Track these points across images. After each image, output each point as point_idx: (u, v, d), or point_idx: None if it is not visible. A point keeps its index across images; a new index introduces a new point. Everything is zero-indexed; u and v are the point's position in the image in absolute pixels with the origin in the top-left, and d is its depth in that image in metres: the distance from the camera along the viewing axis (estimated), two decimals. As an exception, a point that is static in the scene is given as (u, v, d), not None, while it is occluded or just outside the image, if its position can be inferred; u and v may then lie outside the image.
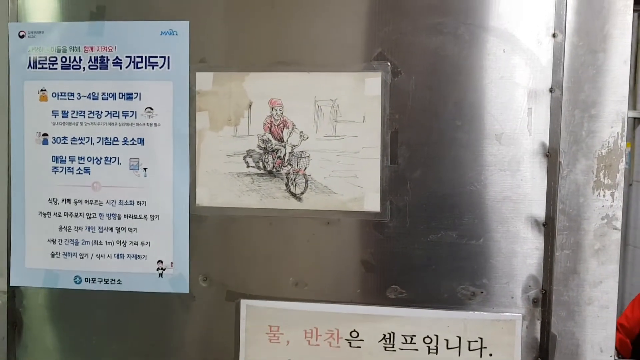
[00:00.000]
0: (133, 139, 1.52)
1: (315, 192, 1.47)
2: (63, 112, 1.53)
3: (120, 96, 1.51)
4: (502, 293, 1.44)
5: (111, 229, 1.54)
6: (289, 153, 1.47)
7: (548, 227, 1.41)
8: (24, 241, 1.57)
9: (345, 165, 1.45)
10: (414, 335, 1.46)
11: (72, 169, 1.54)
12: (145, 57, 1.50)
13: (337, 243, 1.48)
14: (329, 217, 1.47)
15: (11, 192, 1.56)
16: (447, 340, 1.45)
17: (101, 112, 1.52)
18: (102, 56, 1.51)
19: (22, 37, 1.54)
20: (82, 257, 1.55)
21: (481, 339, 1.44)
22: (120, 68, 1.51)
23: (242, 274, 1.51)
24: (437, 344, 1.45)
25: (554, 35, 1.38)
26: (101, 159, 1.53)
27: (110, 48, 1.51)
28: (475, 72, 1.41)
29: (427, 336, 1.46)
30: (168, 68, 1.50)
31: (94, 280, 1.55)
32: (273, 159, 1.48)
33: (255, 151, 1.48)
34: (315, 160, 1.46)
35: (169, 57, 1.49)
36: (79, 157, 1.54)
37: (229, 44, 1.48)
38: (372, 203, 1.45)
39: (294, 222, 1.48)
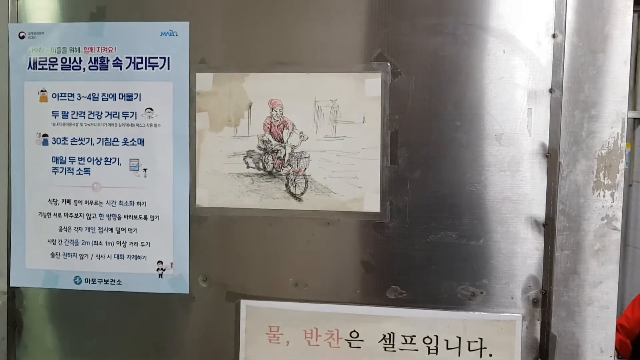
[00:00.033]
0: (133, 139, 1.52)
1: (315, 193, 1.47)
2: (63, 112, 1.53)
3: (121, 97, 1.51)
4: (502, 293, 1.44)
5: (111, 229, 1.54)
6: (289, 154, 1.47)
7: (548, 227, 1.41)
8: (24, 242, 1.57)
9: (345, 166, 1.45)
10: (414, 336, 1.46)
11: (72, 169, 1.54)
12: (145, 57, 1.50)
13: (337, 243, 1.48)
14: (328, 217, 1.47)
15: (11, 192, 1.56)
16: (447, 341, 1.45)
17: (101, 113, 1.52)
18: (102, 57, 1.52)
19: (22, 37, 1.54)
20: (82, 258, 1.55)
21: (481, 339, 1.44)
22: (121, 69, 1.51)
23: (242, 275, 1.51)
24: (437, 344, 1.45)
25: (553, 36, 1.38)
26: (101, 159, 1.53)
27: (110, 49, 1.51)
28: (475, 73, 1.41)
29: (427, 336, 1.46)
30: (168, 69, 1.50)
31: (94, 280, 1.55)
32: (273, 160, 1.48)
33: (255, 152, 1.48)
34: (315, 161, 1.46)
35: (169, 58, 1.49)
36: (79, 158, 1.54)
37: (229, 44, 1.48)
38: (372, 203, 1.45)
39: (293, 223, 1.48)
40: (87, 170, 1.54)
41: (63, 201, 1.55)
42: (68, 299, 1.57)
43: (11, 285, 1.58)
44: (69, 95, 1.53)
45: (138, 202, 1.53)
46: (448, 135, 1.42)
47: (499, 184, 1.42)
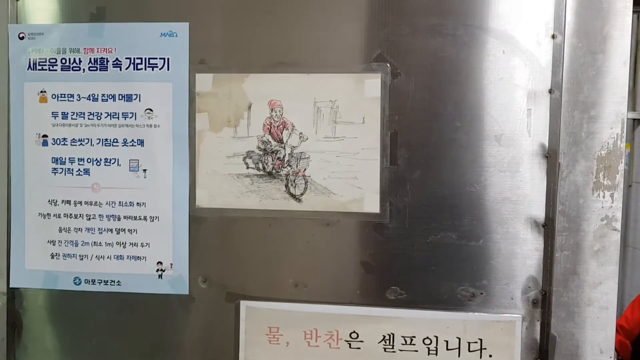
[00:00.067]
0: (133, 140, 1.52)
1: (315, 194, 1.47)
2: (63, 113, 1.53)
3: (120, 97, 1.51)
4: (502, 294, 1.44)
5: (111, 230, 1.54)
6: (289, 154, 1.47)
7: (548, 228, 1.41)
8: (24, 242, 1.57)
9: (345, 167, 1.45)
10: (414, 337, 1.46)
11: (72, 170, 1.54)
12: (145, 58, 1.50)
13: (336, 244, 1.48)
14: (328, 218, 1.47)
15: (11, 193, 1.56)
16: (447, 342, 1.45)
17: (101, 114, 1.52)
18: (102, 57, 1.52)
19: (22, 38, 1.54)
20: (82, 259, 1.55)
21: (481, 340, 1.44)
22: (120, 69, 1.51)
23: (242, 275, 1.51)
24: (436, 345, 1.45)
25: (553, 37, 1.39)
26: (101, 160, 1.53)
27: (110, 49, 1.51)
28: (475, 73, 1.41)
29: (427, 337, 1.46)
30: (168, 69, 1.50)
31: (93, 281, 1.55)
32: (273, 160, 1.48)
33: (255, 152, 1.48)
34: (315, 162, 1.46)
35: (168, 59, 1.49)
36: (78, 159, 1.54)
37: (229, 45, 1.48)
38: (371, 204, 1.45)
39: (293, 223, 1.48)
40: (86, 171, 1.54)
41: (63, 202, 1.55)
42: (68, 300, 1.57)
43: (11, 286, 1.58)
44: (69, 96, 1.53)
45: (138, 203, 1.53)
46: (448, 136, 1.42)
47: (498, 184, 1.42)
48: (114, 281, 1.55)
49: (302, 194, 1.47)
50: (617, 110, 1.39)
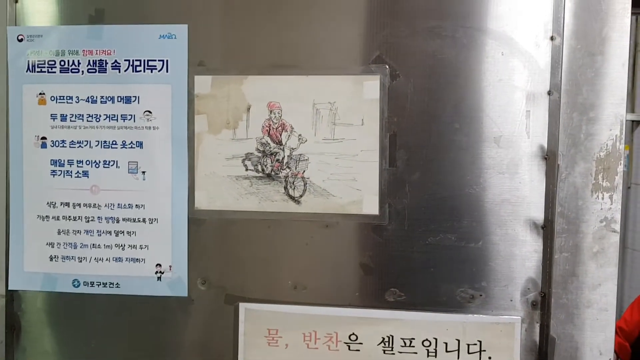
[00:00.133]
0: (132, 142, 1.52)
1: (314, 195, 1.47)
2: (62, 115, 1.53)
3: (119, 99, 1.51)
4: (501, 296, 1.44)
5: (110, 232, 1.54)
6: (288, 156, 1.47)
7: (547, 229, 1.41)
8: (23, 245, 1.57)
9: (344, 168, 1.45)
10: (413, 339, 1.46)
11: (71, 172, 1.54)
12: (144, 60, 1.50)
13: (335, 246, 1.48)
14: (327, 220, 1.47)
15: (10, 195, 1.56)
16: (446, 344, 1.45)
17: (100, 116, 1.52)
18: (100, 59, 1.51)
19: (20, 40, 1.54)
20: (81, 261, 1.55)
21: (480, 342, 1.44)
22: (119, 71, 1.51)
23: (241, 277, 1.51)
24: (436, 347, 1.45)
25: (552, 38, 1.39)
26: (100, 162, 1.53)
27: (109, 51, 1.51)
28: (474, 75, 1.41)
29: (426, 339, 1.46)
30: (167, 71, 1.50)
31: (92, 283, 1.55)
32: (272, 162, 1.48)
33: (254, 154, 1.48)
34: (314, 163, 1.46)
35: (167, 61, 1.49)
36: (77, 161, 1.54)
37: (228, 47, 1.48)
38: (370, 206, 1.45)
39: (292, 225, 1.48)
40: (85, 173, 1.53)
41: (61, 204, 1.55)
42: (66, 302, 1.57)
43: (9, 288, 1.58)
44: (68, 98, 1.53)
45: (137, 205, 1.52)
46: (447, 138, 1.42)
47: (497, 186, 1.42)
48: (112, 283, 1.55)
49: (301, 196, 1.47)
50: (616, 111, 1.39)
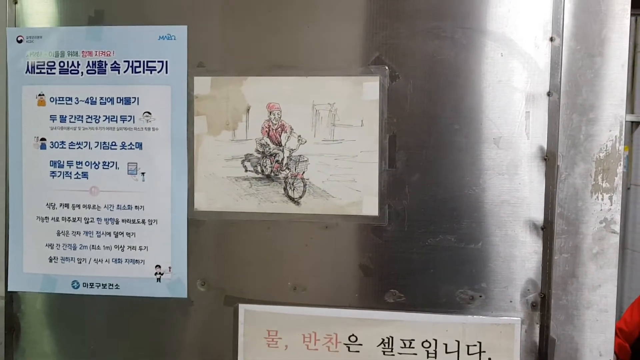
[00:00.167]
0: (131, 143, 1.52)
1: (314, 196, 1.47)
2: (61, 116, 1.53)
3: (118, 101, 1.51)
4: (501, 297, 1.44)
5: (109, 233, 1.54)
6: (287, 157, 1.47)
7: (546, 230, 1.41)
8: (22, 246, 1.56)
9: (344, 170, 1.45)
10: (413, 340, 1.46)
11: (70, 173, 1.54)
12: (143, 61, 1.50)
13: (335, 247, 1.48)
14: (327, 221, 1.47)
15: (9, 196, 1.56)
16: (446, 345, 1.45)
17: (99, 117, 1.52)
18: (100, 61, 1.51)
19: (20, 42, 1.54)
20: (80, 262, 1.55)
21: (480, 343, 1.44)
22: (119, 72, 1.51)
23: (240, 279, 1.51)
24: (435, 348, 1.45)
25: (551, 39, 1.39)
26: (99, 163, 1.53)
27: (108, 53, 1.51)
28: (473, 76, 1.41)
29: (426, 340, 1.45)
30: (166, 72, 1.50)
31: (91, 285, 1.55)
32: (271, 163, 1.48)
33: (254, 155, 1.48)
34: (314, 165, 1.46)
35: (167, 62, 1.49)
36: (77, 162, 1.53)
37: (227, 48, 1.48)
38: (370, 207, 1.45)
39: (292, 227, 1.48)
40: (85, 174, 1.53)
41: (61, 205, 1.55)
42: (66, 304, 1.57)
43: (9, 289, 1.58)
44: (67, 99, 1.53)
45: (136, 206, 1.52)
46: (446, 139, 1.42)
47: (497, 187, 1.42)
48: (112, 285, 1.55)
49: (300, 197, 1.47)
50: (616, 112, 1.39)
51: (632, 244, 3.56)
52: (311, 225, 1.47)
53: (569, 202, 1.41)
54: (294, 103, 1.46)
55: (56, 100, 1.53)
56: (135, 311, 1.55)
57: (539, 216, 1.41)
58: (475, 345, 1.44)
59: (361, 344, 1.48)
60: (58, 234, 1.55)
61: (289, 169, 1.47)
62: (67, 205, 1.54)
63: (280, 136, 1.47)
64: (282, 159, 1.47)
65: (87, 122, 1.52)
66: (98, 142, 1.53)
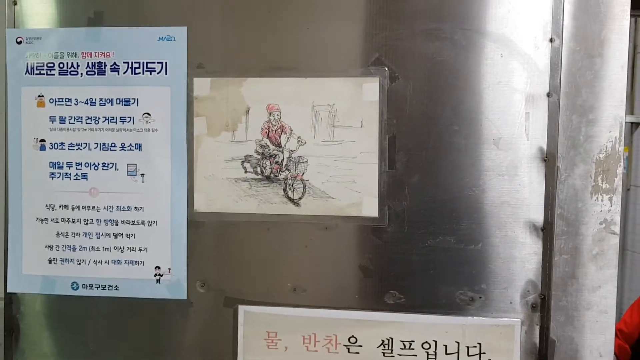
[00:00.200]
0: (130, 144, 1.51)
1: (313, 198, 1.47)
2: (60, 117, 1.53)
3: (118, 102, 1.51)
4: (501, 298, 1.43)
5: (108, 234, 1.53)
6: (287, 158, 1.47)
7: (546, 231, 1.41)
8: (21, 247, 1.56)
9: (343, 171, 1.45)
10: (413, 341, 1.46)
11: (70, 174, 1.54)
12: (143, 62, 1.50)
13: (335, 248, 1.47)
14: (327, 222, 1.47)
15: (8, 198, 1.56)
16: (446, 346, 1.45)
17: (99, 118, 1.52)
18: (99, 62, 1.51)
19: (19, 43, 1.54)
20: (80, 263, 1.55)
21: (480, 344, 1.44)
22: (118, 74, 1.51)
23: (240, 280, 1.51)
24: (435, 349, 1.45)
25: (551, 40, 1.39)
26: (98, 164, 1.53)
27: (107, 54, 1.51)
28: (473, 77, 1.41)
29: (426, 342, 1.45)
30: (165, 74, 1.49)
31: (91, 286, 1.55)
32: (271, 164, 1.48)
33: (253, 156, 1.48)
34: (313, 166, 1.46)
35: (166, 63, 1.49)
36: (76, 163, 1.53)
37: (227, 49, 1.48)
38: (370, 208, 1.45)
39: (291, 228, 1.48)
40: (84, 176, 1.53)
41: (60, 206, 1.54)
42: (65, 305, 1.57)
43: (8, 291, 1.57)
44: (66, 100, 1.53)
45: (135, 208, 1.52)
46: (446, 140, 1.42)
47: (497, 188, 1.42)
48: (111, 286, 1.54)
49: (300, 198, 1.47)
50: (615, 113, 1.39)
51: (632, 245, 3.56)
52: (311, 226, 1.47)
53: (568, 203, 1.41)
54: (294, 104, 1.46)
55: (56, 101, 1.53)
56: (134, 312, 1.54)
57: (538, 217, 1.41)
58: (475, 347, 1.44)
59: (361, 345, 1.47)
60: (57, 235, 1.55)
61: (288, 170, 1.47)
62: (66, 207, 1.54)
63: (279, 137, 1.47)
64: (282, 160, 1.47)
65: (86, 123, 1.52)
66: (97, 143, 1.52)
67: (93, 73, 1.51)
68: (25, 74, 1.54)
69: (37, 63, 1.53)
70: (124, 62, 1.50)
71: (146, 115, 1.50)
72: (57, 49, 1.52)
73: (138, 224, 1.52)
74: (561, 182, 1.41)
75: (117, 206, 1.53)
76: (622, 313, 2.43)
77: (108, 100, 1.51)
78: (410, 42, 1.42)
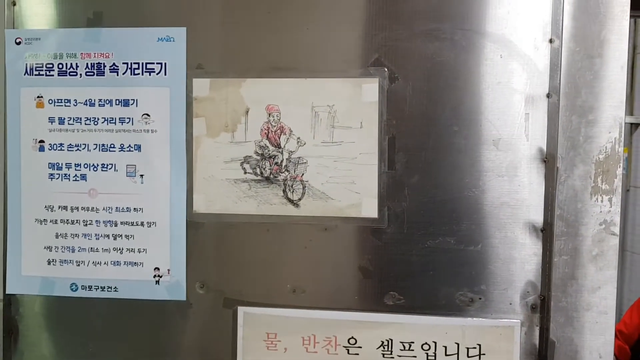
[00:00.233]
0: (130, 145, 1.51)
1: (313, 198, 1.46)
2: (59, 118, 1.53)
3: (117, 102, 1.51)
4: (501, 299, 1.43)
5: (108, 236, 1.53)
6: (286, 159, 1.47)
7: (546, 232, 1.41)
8: (20, 248, 1.56)
9: (343, 171, 1.45)
10: (412, 342, 1.45)
11: (69, 175, 1.54)
12: (142, 63, 1.50)
13: (334, 249, 1.47)
14: (326, 223, 1.47)
15: (7, 199, 1.56)
16: (446, 347, 1.45)
17: (98, 119, 1.52)
18: (98, 62, 1.51)
19: (18, 43, 1.54)
20: (79, 265, 1.54)
21: (480, 345, 1.44)
22: (117, 74, 1.51)
23: (239, 281, 1.50)
24: (435, 350, 1.45)
25: (550, 41, 1.38)
26: (98, 165, 1.52)
27: (107, 54, 1.51)
28: (473, 78, 1.41)
29: (426, 343, 1.45)
30: (165, 74, 1.49)
31: (90, 287, 1.55)
32: (270, 165, 1.48)
33: (253, 157, 1.48)
34: (313, 167, 1.46)
35: (165, 64, 1.49)
36: (75, 164, 1.53)
37: (226, 50, 1.48)
38: (369, 209, 1.45)
39: (291, 229, 1.48)
40: (83, 177, 1.53)
41: (59, 207, 1.54)
42: (64, 306, 1.56)
43: (7, 292, 1.57)
44: (66, 101, 1.52)
45: (135, 209, 1.52)
46: (445, 141, 1.42)
47: (496, 189, 1.41)
48: (110, 287, 1.54)
49: (299, 199, 1.47)
50: (615, 114, 1.39)
51: (631, 246, 3.56)
52: (310, 227, 1.47)
53: (568, 204, 1.41)
54: (293, 105, 1.46)
55: (55, 102, 1.53)
56: (134, 314, 1.54)
57: (538, 218, 1.41)
58: (474, 348, 1.44)
59: (360, 347, 1.47)
60: (57, 236, 1.55)
61: (288, 171, 1.47)
62: (65, 208, 1.54)
63: (279, 138, 1.47)
64: (281, 161, 1.47)
65: (85, 124, 1.52)
66: (97, 144, 1.52)
67: (92, 74, 1.51)
68: (25, 74, 1.53)
69: (36, 64, 1.53)
70: (123, 63, 1.50)
71: (145, 116, 1.50)
72: (56, 50, 1.52)
73: (137, 225, 1.52)
74: (561, 183, 1.40)
75: (117, 207, 1.52)
76: (621, 314, 2.43)
77: (107, 101, 1.51)
78: (409, 43, 1.42)
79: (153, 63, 1.49)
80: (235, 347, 1.50)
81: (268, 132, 1.47)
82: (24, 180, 1.55)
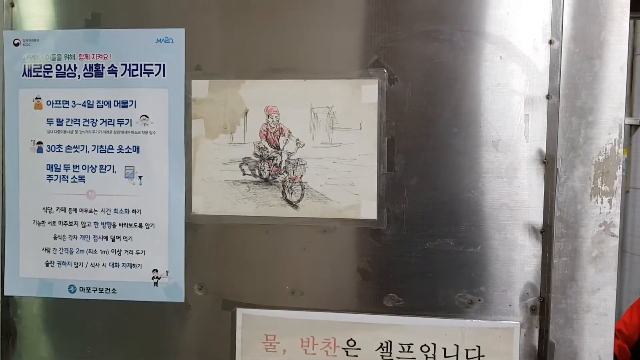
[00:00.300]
0: (128, 147, 1.51)
1: (312, 200, 1.46)
2: (58, 120, 1.53)
3: (116, 104, 1.51)
4: (500, 301, 1.43)
5: (106, 237, 1.53)
6: (285, 160, 1.47)
7: (545, 234, 1.41)
8: (18, 250, 1.56)
9: (342, 173, 1.45)
10: (412, 344, 1.45)
11: (67, 177, 1.53)
12: (141, 64, 1.50)
13: (333, 251, 1.47)
14: (325, 224, 1.46)
15: (5, 200, 1.55)
16: (445, 349, 1.44)
17: (96, 120, 1.52)
18: (97, 64, 1.51)
19: (17, 45, 1.53)
20: (77, 266, 1.54)
21: (479, 347, 1.44)
22: (116, 76, 1.50)
23: (238, 283, 1.50)
24: (434, 352, 1.45)
25: (550, 42, 1.38)
26: (96, 167, 1.52)
27: (105, 56, 1.51)
28: (472, 79, 1.40)
29: (425, 344, 1.45)
30: (163, 75, 1.49)
31: (88, 289, 1.54)
32: (269, 167, 1.47)
33: (251, 159, 1.48)
34: (312, 168, 1.46)
35: (164, 65, 1.49)
36: (73, 166, 1.53)
37: (225, 51, 1.48)
38: (368, 211, 1.44)
39: (290, 230, 1.48)
40: (81, 178, 1.53)
41: (57, 209, 1.54)
42: (62, 308, 1.56)
43: (5, 294, 1.57)
44: (64, 102, 1.52)
45: (133, 210, 1.52)
46: (445, 142, 1.42)
47: (496, 190, 1.41)
48: (109, 289, 1.54)
49: (298, 201, 1.47)
50: (615, 115, 1.38)
51: (631, 247, 3.56)
52: (309, 229, 1.47)
53: (568, 206, 1.41)
54: (292, 106, 1.45)
55: (53, 103, 1.52)
56: (132, 316, 1.54)
57: (538, 219, 1.41)
58: (474, 350, 1.44)
59: (359, 349, 1.47)
60: (55, 238, 1.54)
61: (287, 172, 1.47)
62: (63, 209, 1.54)
63: (278, 139, 1.47)
64: (280, 163, 1.47)
65: (84, 125, 1.52)
66: (95, 146, 1.52)
67: (91, 75, 1.51)
68: (23, 76, 1.53)
69: (35, 65, 1.53)
70: (122, 64, 1.50)
71: (144, 117, 1.50)
72: (55, 51, 1.52)
73: (136, 226, 1.52)
74: (560, 184, 1.40)
75: (115, 209, 1.52)
76: (621, 315, 2.43)
77: (106, 103, 1.51)
78: (409, 44, 1.41)
79: (152, 64, 1.49)
80: (234, 348, 1.50)
81: (267, 133, 1.47)
82: (22, 182, 1.54)
